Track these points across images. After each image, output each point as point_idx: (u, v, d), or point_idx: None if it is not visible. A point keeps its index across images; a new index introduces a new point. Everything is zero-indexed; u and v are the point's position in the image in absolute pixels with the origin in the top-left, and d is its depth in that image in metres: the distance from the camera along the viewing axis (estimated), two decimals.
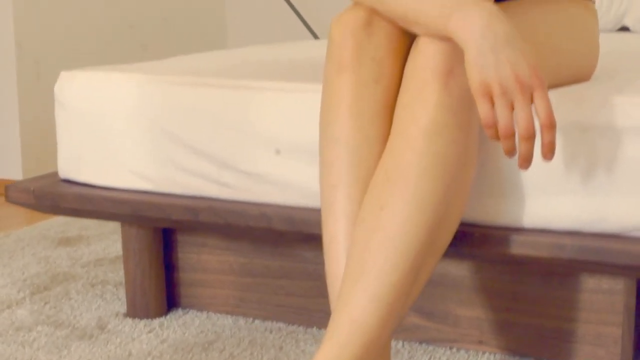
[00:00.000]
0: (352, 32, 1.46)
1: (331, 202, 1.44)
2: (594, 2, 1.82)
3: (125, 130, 1.86)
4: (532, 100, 1.32)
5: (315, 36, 3.80)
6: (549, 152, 1.34)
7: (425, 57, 1.40)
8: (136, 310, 2.01)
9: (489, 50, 1.31)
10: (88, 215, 1.91)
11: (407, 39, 1.50)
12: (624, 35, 2.99)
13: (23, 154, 3.29)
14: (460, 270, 1.76)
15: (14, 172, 3.31)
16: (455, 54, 1.39)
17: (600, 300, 1.66)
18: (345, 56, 1.46)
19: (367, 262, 1.35)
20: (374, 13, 1.48)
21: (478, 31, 1.32)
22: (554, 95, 1.53)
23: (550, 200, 1.52)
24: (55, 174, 2.04)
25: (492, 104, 1.32)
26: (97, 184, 1.92)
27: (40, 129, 3.33)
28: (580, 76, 1.72)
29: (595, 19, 1.78)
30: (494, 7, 1.34)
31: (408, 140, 1.39)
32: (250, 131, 1.74)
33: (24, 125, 3.29)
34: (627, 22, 3.02)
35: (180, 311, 2.04)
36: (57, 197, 1.91)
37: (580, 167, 1.50)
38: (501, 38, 1.32)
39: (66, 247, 2.58)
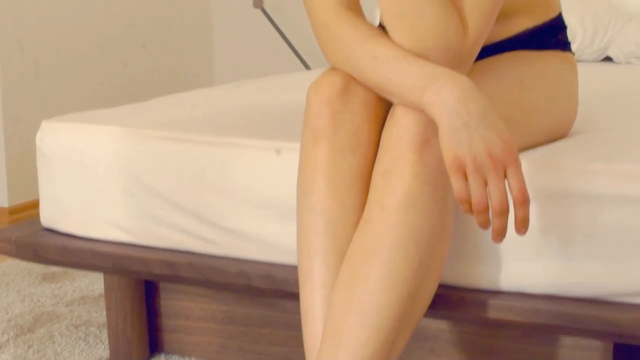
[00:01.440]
0: (328, 100, 1.47)
1: (308, 270, 1.45)
2: (573, 53, 1.83)
3: (105, 182, 1.87)
4: (505, 176, 1.33)
5: (307, 67, 3.80)
6: (522, 227, 1.35)
7: (401, 127, 1.41)
8: (119, 355, 2.02)
9: (462, 127, 1.32)
10: (70, 266, 1.91)
11: (384, 105, 1.51)
12: (607, 65, 3.01)
13: (9, 178, 3.30)
14: (438, 324, 1.77)
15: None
16: (430, 125, 1.40)
17: (578, 356, 1.68)
18: (322, 125, 1.47)
19: (342, 334, 1.36)
20: (350, 79, 1.49)
21: (451, 107, 1.33)
22: (529, 162, 1.54)
23: (527, 264, 1.54)
24: (38, 221, 2.05)
25: (466, 179, 1.33)
26: (79, 235, 1.93)
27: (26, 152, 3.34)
28: (558, 132, 1.73)
29: (574, 71, 1.79)
30: (467, 82, 1.35)
31: (382, 212, 1.40)
32: (231, 188, 1.75)
33: (9, 149, 3.29)
34: (610, 53, 3.04)
35: (163, 356, 2.05)
36: (38, 248, 1.92)
37: (556, 233, 1.51)
38: (474, 114, 1.33)
39: (51, 283, 2.59)
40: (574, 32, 3.01)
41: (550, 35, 1.78)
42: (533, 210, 1.50)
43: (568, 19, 3.01)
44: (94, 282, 2.59)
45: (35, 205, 3.29)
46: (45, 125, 1.95)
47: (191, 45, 4.13)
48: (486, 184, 1.33)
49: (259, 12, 3.96)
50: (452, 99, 1.33)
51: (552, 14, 1.79)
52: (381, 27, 1.70)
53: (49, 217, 1.97)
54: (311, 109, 1.48)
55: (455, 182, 1.33)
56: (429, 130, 1.40)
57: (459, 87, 1.34)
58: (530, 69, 1.67)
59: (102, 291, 2.51)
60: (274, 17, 3.91)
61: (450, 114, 1.33)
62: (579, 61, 3.03)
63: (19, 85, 3.29)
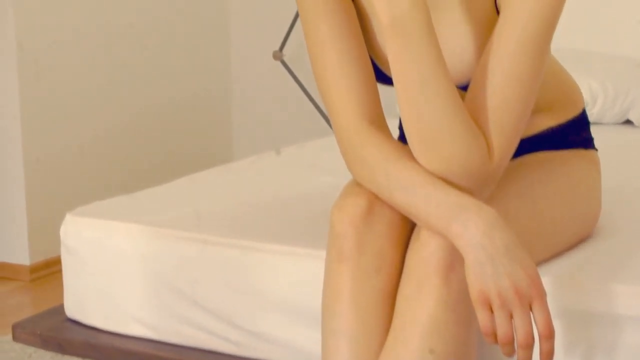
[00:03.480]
0: (352, 221, 1.47)
1: None
2: (596, 150, 1.83)
3: (130, 279, 1.88)
4: (530, 309, 1.33)
5: (326, 118, 3.80)
6: (547, 359, 1.35)
7: (427, 251, 1.42)
8: None
9: (488, 261, 1.33)
10: None
11: (408, 224, 1.51)
12: (627, 129, 3.01)
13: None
14: None
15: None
16: (455, 250, 1.40)
17: None
18: (346, 246, 1.47)
19: None
20: (375, 199, 1.49)
21: (477, 241, 1.33)
22: (552, 278, 1.54)
23: None
24: (62, 309, 2.06)
25: (491, 311, 1.34)
26: (103, 328, 1.94)
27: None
28: (581, 237, 1.73)
29: (598, 171, 1.79)
30: (493, 214, 1.36)
31: (406, 337, 1.40)
32: (254, 291, 1.76)
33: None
34: (631, 117, 3.04)
35: None
36: (63, 342, 1.93)
37: (578, 353, 1.51)
38: (500, 248, 1.33)
39: None
40: (596, 96, 3.00)
41: (574, 134, 1.78)
42: (554, 328, 1.50)
43: (589, 82, 3.01)
44: None
45: (56, 262, 3.31)
46: (69, 219, 1.96)
47: (210, 95, 4.14)
48: (511, 316, 1.33)
49: (278, 64, 3.97)
50: (478, 233, 1.34)
51: (576, 112, 1.80)
52: (402, 132, 1.71)
53: (73, 308, 1.98)
54: (335, 230, 1.49)
55: (481, 316, 1.34)
56: (454, 255, 1.40)
57: (485, 220, 1.35)
58: (553, 177, 1.67)
59: None
60: (293, 69, 3.92)
61: (476, 248, 1.33)
62: (599, 124, 3.03)
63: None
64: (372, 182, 1.48)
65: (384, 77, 1.61)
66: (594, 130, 2.54)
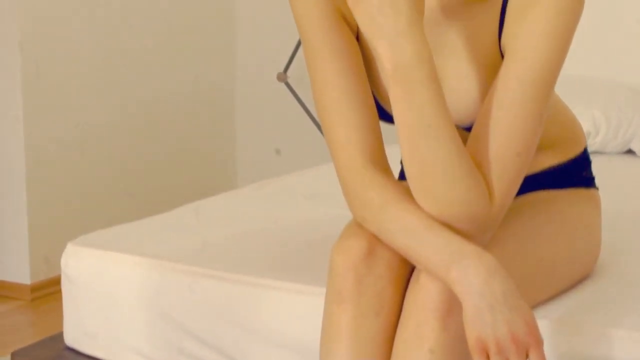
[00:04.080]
0: (353, 263, 1.48)
1: None
2: (597, 189, 1.83)
3: (130, 310, 1.89)
4: (527, 356, 1.34)
5: None
6: None
7: (425, 295, 1.42)
8: None
9: (487, 309, 1.33)
10: None
11: (408, 266, 1.51)
12: (629, 159, 3.02)
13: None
14: None
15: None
16: (454, 295, 1.40)
17: None
18: (346, 288, 1.47)
19: None
20: (376, 241, 1.49)
21: (476, 288, 1.34)
22: (551, 322, 1.55)
23: None
24: (61, 336, 2.06)
25: (488, 358, 1.34)
26: (102, 358, 1.94)
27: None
28: (581, 277, 1.73)
29: (598, 211, 1.79)
30: (493, 262, 1.36)
31: None
32: (255, 326, 1.76)
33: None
34: (634, 147, 3.04)
35: None
36: None
37: None
38: (499, 296, 1.33)
39: None
40: (598, 126, 3.01)
41: (575, 173, 1.79)
42: None
43: (592, 112, 3.01)
44: None
45: (57, 281, 3.31)
46: (70, 249, 1.97)
47: (214, 115, 4.14)
48: None
49: (282, 85, 3.98)
50: (477, 280, 1.34)
51: (577, 151, 1.80)
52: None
53: (72, 337, 1.98)
54: (335, 271, 1.49)
55: None
56: (453, 300, 1.41)
57: (485, 267, 1.35)
58: (552, 219, 1.67)
59: None
60: (297, 91, 3.93)
61: (474, 295, 1.34)
62: (602, 153, 3.04)
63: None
64: (372, 224, 1.48)
65: (386, 115, 1.61)
66: (596, 160, 2.54)
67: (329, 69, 1.53)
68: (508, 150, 1.45)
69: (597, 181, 1.83)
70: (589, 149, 3.00)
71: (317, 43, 1.54)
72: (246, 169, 4.22)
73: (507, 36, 1.48)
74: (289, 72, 3.94)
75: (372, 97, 1.55)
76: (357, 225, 1.53)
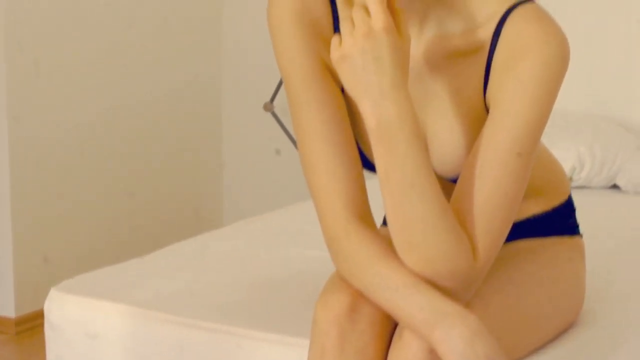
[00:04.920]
0: (336, 319, 1.47)
1: None
2: (581, 235, 1.83)
3: (112, 358, 1.87)
4: None
5: None
6: None
7: (409, 352, 1.42)
8: None
9: None
10: None
11: (391, 321, 1.50)
12: (614, 194, 3.02)
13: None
14: None
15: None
16: (437, 353, 1.40)
17: None
18: (329, 344, 1.47)
19: None
20: (359, 296, 1.48)
21: (460, 350, 1.34)
22: None
23: None
24: None
25: None
26: None
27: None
28: (565, 326, 1.73)
29: (582, 259, 1.80)
30: (477, 323, 1.36)
31: None
32: None
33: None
34: (619, 182, 3.05)
35: None
36: None
37: None
38: (482, 358, 1.33)
39: None
40: (583, 161, 3.01)
41: (559, 221, 1.79)
42: None
43: (578, 147, 3.02)
44: None
45: (41, 315, 3.30)
46: (54, 294, 1.96)
47: (201, 146, 4.13)
48: None
49: (269, 115, 3.97)
50: (461, 342, 1.34)
51: (562, 199, 1.80)
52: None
53: None
54: (319, 326, 1.49)
55: None
56: (436, 358, 1.40)
57: (469, 329, 1.35)
58: (536, 269, 1.67)
59: None
60: (284, 121, 3.93)
61: (458, 357, 1.34)
62: (587, 188, 3.05)
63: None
64: (356, 280, 1.48)
65: (370, 164, 1.61)
66: (581, 195, 2.55)
67: (312, 120, 1.53)
68: (492, 206, 1.45)
69: (581, 217, 1.83)
70: (574, 184, 3.02)
71: (301, 94, 1.54)
72: (233, 199, 4.21)
73: (492, 90, 1.49)
74: (275, 102, 3.94)
75: (356, 148, 1.55)
76: (341, 279, 1.52)
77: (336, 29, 1.55)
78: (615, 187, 3.09)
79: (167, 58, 3.89)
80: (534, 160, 1.50)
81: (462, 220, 1.45)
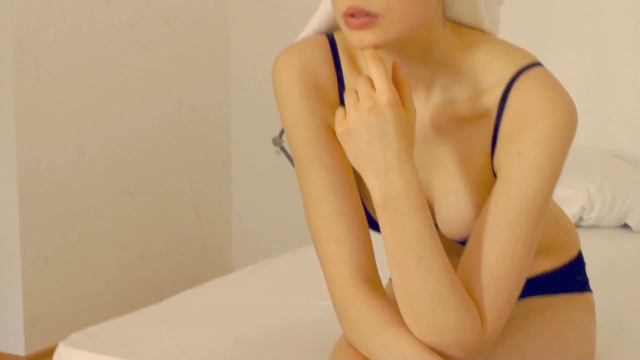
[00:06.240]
0: None
1: None
2: (590, 291, 1.82)
3: None
4: None
5: None
6: None
7: None
8: None
9: None
10: None
11: None
12: (625, 234, 3.01)
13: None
14: None
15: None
16: None
17: None
18: None
19: None
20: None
21: None
22: None
23: None
24: None
25: None
26: None
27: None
28: None
29: (592, 316, 1.78)
30: None
31: None
32: None
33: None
34: (629, 222, 3.04)
35: None
36: None
37: None
38: None
39: None
40: (594, 201, 3.00)
41: (569, 278, 1.78)
42: None
43: (588, 186, 3.01)
44: None
45: (52, 351, 3.30)
46: (62, 349, 1.96)
47: (209, 181, 4.13)
48: None
49: (277, 150, 3.98)
50: None
51: (572, 255, 1.79)
52: None
53: None
54: None
55: None
56: None
57: None
58: (544, 330, 1.65)
59: None
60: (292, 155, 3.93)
61: None
62: (597, 227, 3.03)
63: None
64: (363, 347, 1.47)
65: (376, 225, 1.61)
66: (591, 235, 2.54)
67: (318, 185, 1.53)
68: (500, 275, 1.44)
69: (591, 258, 1.81)
70: (584, 224, 3.01)
71: (306, 159, 1.54)
72: (243, 236, 4.21)
73: (499, 157, 1.48)
74: (284, 137, 3.94)
75: (362, 211, 1.55)
76: (347, 344, 1.52)
77: (341, 92, 1.55)
78: (625, 226, 3.08)
79: (173, 91, 3.90)
80: (542, 225, 1.49)
81: (469, 289, 1.45)
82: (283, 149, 3.94)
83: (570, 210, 2.96)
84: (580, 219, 3.02)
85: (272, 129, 3.98)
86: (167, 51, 3.84)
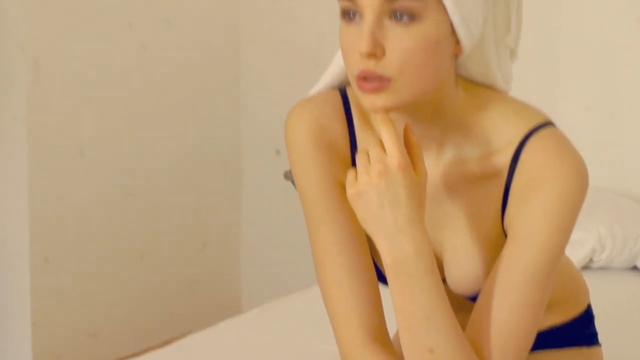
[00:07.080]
0: None
1: None
2: (599, 345, 1.82)
3: None
4: None
5: None
6: None
7: None
8: None
9: None
10: None
11: None
12: (635, 276, 3.00)
13: None
14: None
15: None
16: None
17: None
18: None
19: None
20: None
21: None
22: None
23: None
24: None
25: None
26: None
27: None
28: None
29: None
30: None
31: None
32: None
33: None
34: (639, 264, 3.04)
35: None
36: None
37: None
38: None
39: None
40: (604, 243, 2.99)
41: (578, 331, 1.78)
42: None
43: (598, 228, 3.00)
44: None
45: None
46: None
47: (220, 215, 4.13)
48: None
49: (289, 184, 3.97)
50: None
51: (581, 309, 1.79)
52: None
53: None
54: None
55: None
56: None
57: None
58: None
59: None
60: None
61: None
62: (607, 269, 3.03)
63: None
64: None
65: (386, 279, 1.61)
66: (601, 277, 2.54)
67: (329, 241, 1.54)
68: (508, 334, 1.45)
69: (601, 301, 1.80)
70: (594, 266, 3.00)
71: (317, 213, 1.56)
72: (252, 273, 4.20)
73: (510, 217, 1.48)
74: None
75: (372, 269, 1.55)
76: None
77: (353, 148, 1.56)
78: (635, 268, 3.07)
79: (185, 127, 3.91)
80: (552, 285, 1.50)
81: (478, 347, 1.45)
82: (294, 183, 3.94)
83: (581, 252, 2.95)
84: (591, 260, 3.02)
85: (283, 163, 3.98)
86: (180, 81, 3.86)
